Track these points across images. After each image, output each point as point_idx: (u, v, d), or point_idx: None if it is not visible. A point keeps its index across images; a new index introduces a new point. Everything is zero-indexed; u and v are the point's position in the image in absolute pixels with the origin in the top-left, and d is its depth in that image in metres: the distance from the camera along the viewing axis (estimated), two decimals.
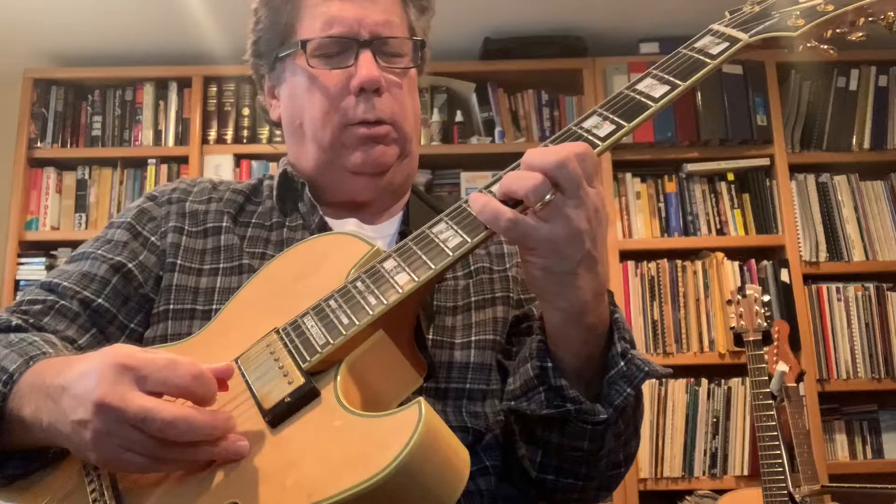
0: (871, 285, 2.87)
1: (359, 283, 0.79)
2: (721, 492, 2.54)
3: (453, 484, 0.68)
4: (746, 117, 2.94)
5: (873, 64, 3.05)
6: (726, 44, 0.85)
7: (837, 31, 0.88)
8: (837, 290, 2.86)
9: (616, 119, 0.80)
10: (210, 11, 2.84)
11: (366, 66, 0.97)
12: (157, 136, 3.07)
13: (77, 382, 0.70)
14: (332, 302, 0.79)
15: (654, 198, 2.97)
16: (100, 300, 0.94)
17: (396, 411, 0.69)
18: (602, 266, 0.77)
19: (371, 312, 0.76)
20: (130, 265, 0.97)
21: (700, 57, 0.84)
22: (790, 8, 0.87)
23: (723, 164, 2.95)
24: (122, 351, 0.71)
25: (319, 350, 0.75)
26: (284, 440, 0.72)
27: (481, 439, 0.91)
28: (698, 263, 2.87)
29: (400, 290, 0.76)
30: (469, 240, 0.76)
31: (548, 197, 0.71)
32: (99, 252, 0.98)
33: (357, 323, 0.76)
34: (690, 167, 2.95)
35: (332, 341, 0.75)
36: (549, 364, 0.81)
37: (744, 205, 2.96)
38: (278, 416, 0.73)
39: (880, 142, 3.00)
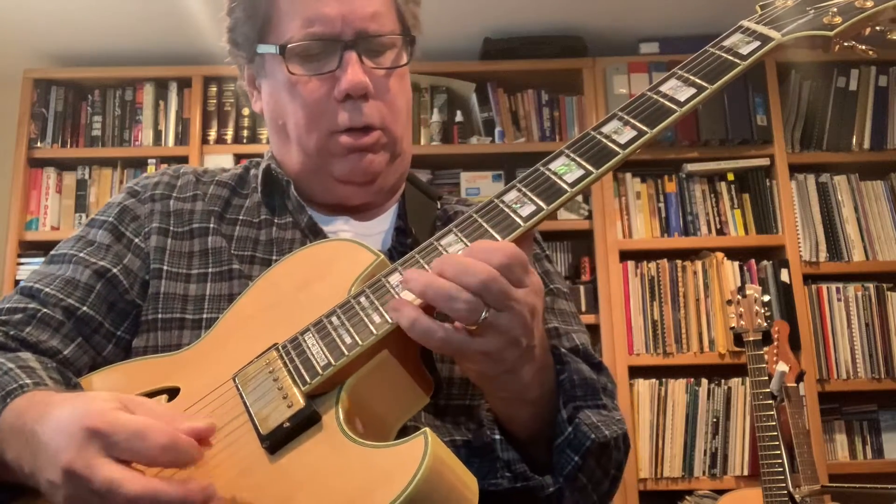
0: (871, 285, 2.87)
1: (362, 299, 0.75)
2: (721, 492, 2.54)
3: None
4: (746, 117, 2.94)
5: (873, 64, 3.04)
6: (757, 43, 0.77)
7: (877, 28, 0.80)
8: (837, 290, 2.86)
9: (637, 124, 0.75)
10: (210, 11, 2.83)
11: (351, 70, 0.90)
12: (157, 136, 3.07)
13: (51, 440, 0.66)
14: (334, 318, 0.75)
15: (653, 198, 2.97)
16: (84, 308, 0.89)
17: (400, 442, 0.65)
18: (539, 346, 0.73)
19: (375, 332, 0.72)
20: (115, 270, 0.92)
21: (729, 57, 0.77)
22: (826, 3, 0.78)
23: (723, 164, 2.95)
24: (95, 408, 0.65)
25: (321, 372, 0.71)
26: (282, 469, 0.69)
27: None
28: (698, 263, 2.87)
29: None
30: None
31: (483, 315, 0.67)
32: (81, 255, 0.92)
33: (360, 343, 0.72)
34: (690, 167, 2.95)
35: (333, 363, 0.71)
36: (497, 437, 0.78)
37: (744, 205, 2.96)
38: (277, 441, 0.70)
39: (880, 142, 3.00)
